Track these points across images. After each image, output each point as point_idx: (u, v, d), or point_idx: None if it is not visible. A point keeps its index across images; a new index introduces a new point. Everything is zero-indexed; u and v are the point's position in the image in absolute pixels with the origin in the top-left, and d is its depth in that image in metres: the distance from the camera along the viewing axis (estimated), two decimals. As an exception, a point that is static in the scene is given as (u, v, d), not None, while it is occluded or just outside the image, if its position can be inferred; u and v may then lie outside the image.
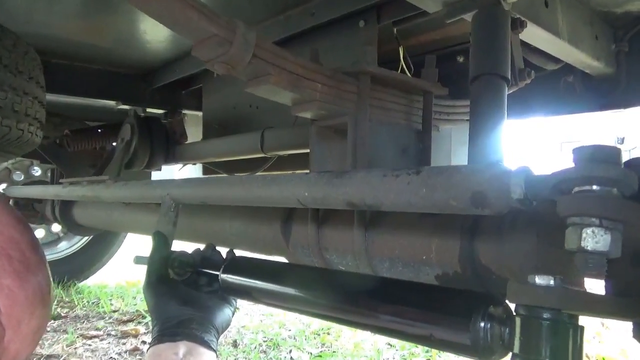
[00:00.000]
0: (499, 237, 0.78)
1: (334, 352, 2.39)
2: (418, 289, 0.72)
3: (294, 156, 1.76)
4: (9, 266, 0.60)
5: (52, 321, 2.81)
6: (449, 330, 0.62)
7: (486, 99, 0.95)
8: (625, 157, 0.56)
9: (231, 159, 2.00)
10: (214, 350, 0.85)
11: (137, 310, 3.03)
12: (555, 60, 1.44)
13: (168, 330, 0.85)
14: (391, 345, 2.45)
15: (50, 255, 3.45)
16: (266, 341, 2.53)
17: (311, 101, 0.97)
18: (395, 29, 1.48)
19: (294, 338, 2.59)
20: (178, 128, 2.36)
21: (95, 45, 2.06)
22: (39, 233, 3.42)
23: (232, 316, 0.98)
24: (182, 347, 0.82)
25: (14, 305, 0.59)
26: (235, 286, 0.94)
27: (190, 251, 1.07)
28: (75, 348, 2.39)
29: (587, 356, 2.28)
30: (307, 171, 1.05)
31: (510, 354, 0.57)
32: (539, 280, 0.54)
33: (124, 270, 3.89)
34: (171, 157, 2.31)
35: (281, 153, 1.74)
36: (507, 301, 0.60)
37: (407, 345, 2.43)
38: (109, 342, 2.50)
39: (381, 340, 2.52)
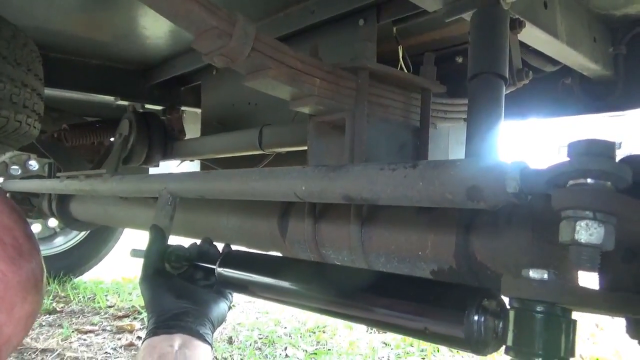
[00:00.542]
0: (494, 232, 0.78)
1: (329, 350, 2.39)
2: (413, 282, 0.72)
3: (292, 153, 1.76)
4: (2, 252, 0.60)
5: (48, 315, 2.80)
6: (443, 324, 0.62)
7: (484, 97, 0.96)
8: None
9: (229, 155, 2.00)
10: (209, 344, 0.85)
11: (132, 306, 3.03)
12: (554, 62, 1.45)
13: (163, 322, 0.85)
14: (386, 344, 2.46)
15: (47, 250, 3.44)
16: (262, 338, 2.53)
17: (309, 96, 0.97)
18: (394, 28, 1.48)
19: (290, 336, 2.59)
20: (176, 124, 2.36)
21: (95, 40, 2.06)
22: (36, 228, 3.41)
23: (228, 310, 0.98)
24: (177, 339, 0.82)
25: (7, 289, 0.60)
26: (231, 280, 0.94)
27: (186, 246, 1.07)
28: (70, 342, 2.39)
29: (581, 357, 2.29)
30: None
31: (503, 347, 0.58)
32: (533, 274, 0.55)
33: (120, 266, 3.88)
34: (169, 153, 2.31)
35: (279, 150, 1.75)
36: (501, 295, 0.61)
37: (402, 343, 2.44)
38: (104, 337, 2.49)
39: (376, 338, 2.53)
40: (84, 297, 3.23)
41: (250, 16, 0.85)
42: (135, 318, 2.82)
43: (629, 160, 0.58)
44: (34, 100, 1.62)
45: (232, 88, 2.09)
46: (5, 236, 0.62)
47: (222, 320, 0.95)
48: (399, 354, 2.32)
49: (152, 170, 2.58)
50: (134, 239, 3.13)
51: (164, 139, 2.30)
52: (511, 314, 0.56)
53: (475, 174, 0.58)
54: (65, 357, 2.21)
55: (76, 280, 3.60)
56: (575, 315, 0.56)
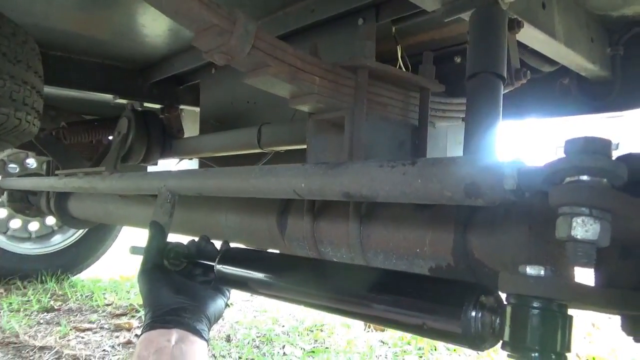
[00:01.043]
0: (491, 229, 0.79)
1: (326, 348, 2.39)
2: (411, 279, 0.73)
3: (290, 152, 1.76)
4: None
5: (45, 313, 2.80)
6: (441, 319, 0.63)
7: (482, 96, 0.97)
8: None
9: (228, 154, 2.01)
10: (206, 340, 0.86)
11: (130, 304, 3.03)
12: (551, 62, 1.46)
13: (160, 317, 0.85)
14: (384, 342, 2.47)
15: (44, 248, 3.44)
16: (259, 336, 2.53)
17: (309, 94, 0.98)
18: (393, 28, 1.49)
19: (287, 334, 2.60)
20: (175, 123, 2.36)
21: (94, 38, 2.06)
22: (34, 226, 3.41)
23: (225, 307, 0.99)
24: (174, 334, 0.82)
25: None
26: (230, 276, 0.95)
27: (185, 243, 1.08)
28: (68, 340, 2.39)
29: (577, 356, 2.30)
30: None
31: (500, 343, 0.59)
32: (530, 270, 0.55)
33: (118, 264, 3.88)
34: (168, 151, 2.32)
35: (278, 149, 1.75)
36: (498, 291, 0.61)
37: (400, 342, 2.44)
38: (102, 335, 2.49)
39: (374, 337, 2.53)
40: (81, 295, 3.23)
41: (250, 14, 0.85)
42: (133, 316, 2.82)
43: (625, 158, 0.59)
44: (34, 97, 1.62)
45: (230, 86, 2.10)
46: None
47: (218, 316, 0.96)
48: (396, 353, 2.33)
49: (151, 169, 2.58)
50: (132, 237, 3.14)
51: (163, 138, 2.31)
52: (508, 309, 0.57)
53: (474, 171, 0.59)
54: (63, 355, 2.21)
55: (74, 278, 3.59)
56: (571, 313, 0.56)
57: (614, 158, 0.52)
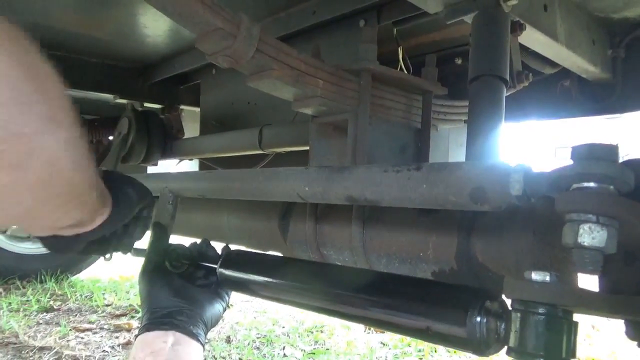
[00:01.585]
0: (495, 234, 0.79)
1: (327, 349, 2.39)
2: (416, 283, 0.73)
3: (291, 153, 1.76)
4: None
5: (45, 313, 2.80)
6: (446, 324, 0.63)
7: (485, 99, 0.97)
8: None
9: (228, 155, 2.00)
10: (202, 344, 0.86)
11: (130, 305, 3.03)
12: (553, 64, 1.46)
13: (157, 319, 0.85)
14: (384, 344, 2.47)
15: (43, 248, 3.43)
16: (259, 338, 2.53)
17: (312, 97, 0.98)
18: (395, 30, 1.49)
19: (288, 335, 2.60)
20: (175, 123, 2.36)
21: (94, 38, 2.06)
22: (33, 226, 3.40)
23: (224, 312, 0.98)
24: (170, 336, 0.82)
25: None
26: (232, 279, 0.95)
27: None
28: (67, 341, 2.38)
29: (577, 358, 2.30)
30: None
31: (505, 348, 0.59)
32: (535, 276, 0.55)
33: (118, 264, 3.87)
34: (168, 152, 2.31)
35: (279, 150, 1.75)
36: (503, 297, 0.61)
37: (400, 344, 2.44)
38: (102, 336, 2.49)
39: (374, 338, 2.53)
40: (81, 295, 3.22)
41: (251, 15, 0.85)
42: (132, 317, 2.82)
43: (632, 164, 0.58)
44: (34, 98, 1.61)
45: (231, 87, 2.09)
46: None
47: (216, 321, 0.96)
48: (396, 354, 2.33)
49: (151, 169, 2.57)
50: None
51: (163, 138, 2.30)
52: (513, 315, 0.57)
53: (479, 176, 0.59)
54: (62, 356, 2.20)
55: (73, 278, 3.59)
56: (576, 317, 0.57)
57: (620, 163, 0.52)
